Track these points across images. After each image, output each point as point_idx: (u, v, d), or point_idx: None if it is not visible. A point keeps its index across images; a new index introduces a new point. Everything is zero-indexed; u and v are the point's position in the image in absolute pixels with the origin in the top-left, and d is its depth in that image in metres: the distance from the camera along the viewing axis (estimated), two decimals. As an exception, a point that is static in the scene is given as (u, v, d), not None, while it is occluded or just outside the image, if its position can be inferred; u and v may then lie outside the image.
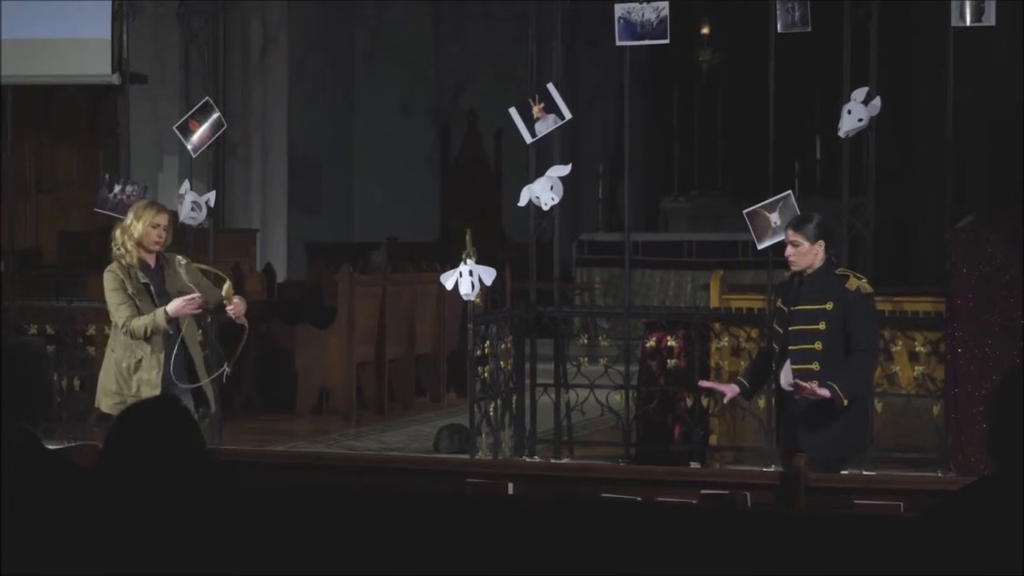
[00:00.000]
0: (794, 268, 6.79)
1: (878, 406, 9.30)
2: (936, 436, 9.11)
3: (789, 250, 6.78)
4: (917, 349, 9.48)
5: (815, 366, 6.63)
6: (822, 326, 6.66)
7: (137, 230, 7.39)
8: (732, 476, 5.77)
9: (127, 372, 7.40)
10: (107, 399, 7.46)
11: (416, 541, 4.49)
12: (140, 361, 7.37)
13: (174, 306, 7.32)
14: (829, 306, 6.67)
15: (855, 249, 9.68)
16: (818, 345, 6.66)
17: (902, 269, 17.50)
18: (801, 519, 4.79)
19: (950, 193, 9.29)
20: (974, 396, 8.54)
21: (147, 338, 7.34)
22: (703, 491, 5.13)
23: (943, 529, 3.40)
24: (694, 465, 9.12)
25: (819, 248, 6.74)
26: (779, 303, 6.91)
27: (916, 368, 9.52)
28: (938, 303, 9.48)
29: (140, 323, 7.32)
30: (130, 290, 7.37)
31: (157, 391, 7.27)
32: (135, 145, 11.69)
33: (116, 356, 7.46)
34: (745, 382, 7.03)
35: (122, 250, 7.42)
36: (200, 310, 7.48)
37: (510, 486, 5.34)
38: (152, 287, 7.40)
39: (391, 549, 4.49)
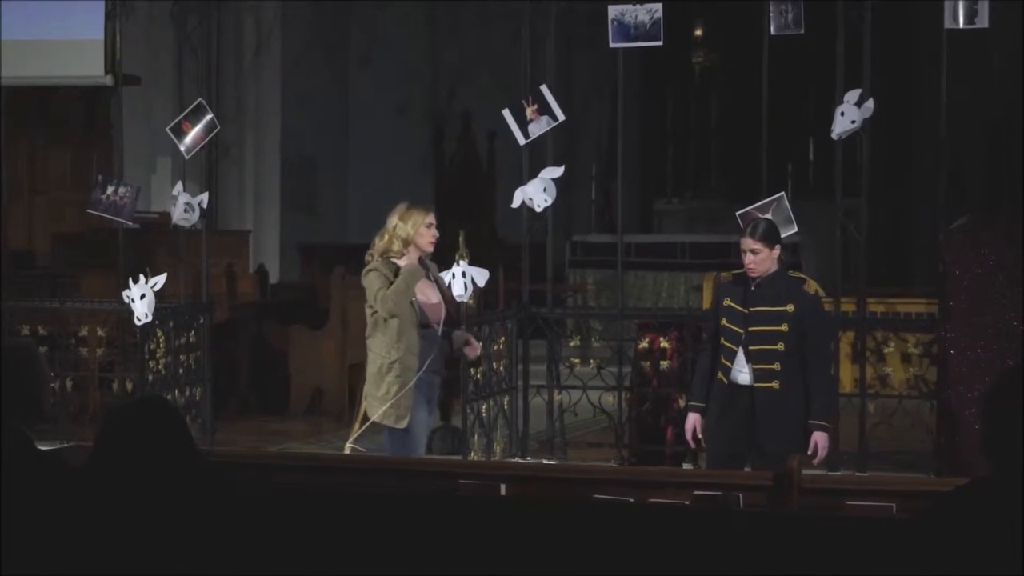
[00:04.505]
0: (754, 275, 6.86)
1: (871, 407, 9.31)
2: (929, 437, 9.11)
3: (749, 258, 6.87)
4: (910, 350, 9.49)
5: (777, 366, 6.84)
6: (785, 327, 6.84)
7: (405, 231, 7.49)
8: (725, 477, 5.77)
9: (379, 374, 7.45)
10: (369, 405, 7.51)
11: (409, 542, 4.49)
12: (395, 363, 7.41)
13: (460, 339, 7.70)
14: (790, 308, 6.85)
15: (848, 251, 9.67)
16: (781, 346, 6.84)
17: (896, 271, 17.53)
18: (793, 520, 4.79)
19: (944, 194, 9.30)
20: (967, 397, 8.54)
21: (407, 297, 7.42)
22: (696, 492, 5.13)
23: (936, 530, 3.40)
24: (687, 466, 9.12)
25: (776, 252, 6.90)
26: (728, 302, 6.97)
27: (909, 369, 9.52)
28: (931, 304, 9.49)
29: (394, 286, 7.41)
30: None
31: (405, 391, 7.36)
32: (128, 146, 11.68)
33: (372, 356, 7.53)
34: (701, 404, 7.14)
35: (396, 248, 7.50)
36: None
37: (503, 487, 5.34)
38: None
39: (384, 550, 4.49)
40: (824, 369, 7.05)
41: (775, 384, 6.84)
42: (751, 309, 6.88)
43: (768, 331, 6.84)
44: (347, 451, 7.67)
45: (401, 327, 7.42)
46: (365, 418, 7.56)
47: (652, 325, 9.93)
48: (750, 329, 6.87)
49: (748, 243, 6.87)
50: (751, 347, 6.87)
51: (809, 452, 6.75)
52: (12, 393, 4.07)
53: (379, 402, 7.44)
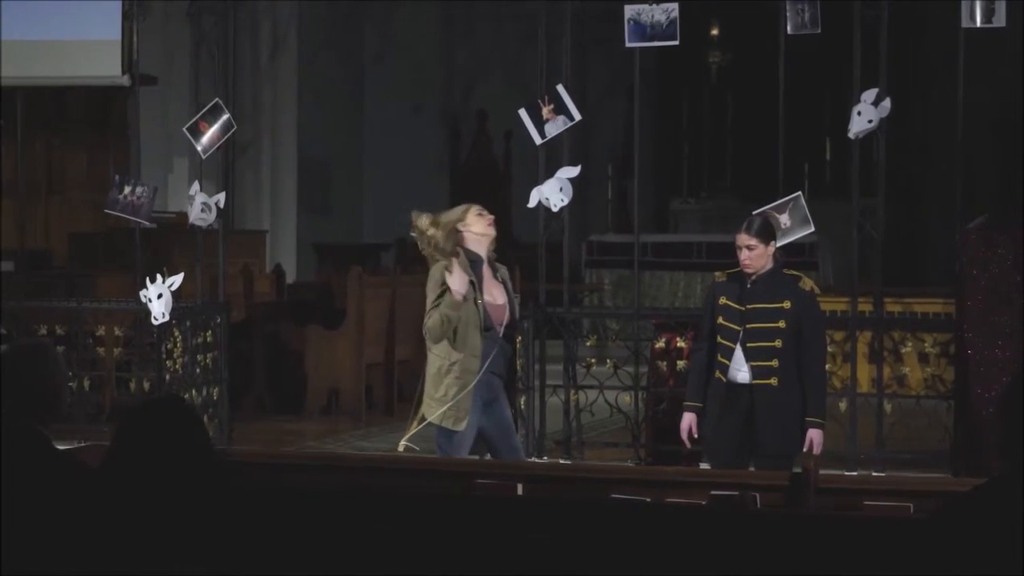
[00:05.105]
0: (749, 272, 6.86)
1: (888, 407, 9.30)
2: (946, 437, 9.09)
3: (745, 254, 6.87)
4: (927, 350, 9.47)
5: (775, 363, 6.83)
6: (782, 324, 6.84)
7: (472, 221, 7.38)
8: (742, 477, 5.76)
9: (439, 375, 7.32)
10: (427, 405, 7.38)
11: (425, 542, 4.49)
12: (455, 364, 7.28)
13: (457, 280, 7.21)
14: (787, 304, 6.85)
15: (865, 250, 9.65)
16: (778, 343, 6.84)
17: (912, 270, 17.47)
18: (811, 520, 4.78)
19: (960, 194, 9.27)
20: (984, 397, 8.51)
21: (449, 332, 7.22)
22: (712, 492, 5.13)
23: (953, 530, 3.39)
24: (704, 466, 9.10)
25: (771, 249, 6.91)
26: (724, 300, 6.97)
27: (926, 369, 9.51)
28: (948, 304, 9.47)
29: (433, 319, 7.23)
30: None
31: (464, 394, 7.24)
32: (145, 146, 11.68)
33: (432, 356, 7.39)
34: (698, 404, 7.13)
35: (473, 236, 7.39)
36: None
37: (519, 487, 5.35)
38: (475, 284, 7.33)
39: (400, 549, 4.49)
40: (818, 365, 7.04)
41: (773, 381, 6.84)
42: (748, 306, 6.88)
43: (765, 328, 6.84)
44: (401, 448, 7.60)
45: (464, 330, 7.34)
46: (423, 418, 7.47)
47: (669, 325, 9.92)
48: (747, 326, 6.87)
49: (743, 239, 6.86)
50: (749, 344, 6.86)
51: (805, 449, 6.75)
52: (29, 392, 4.08)
53: (437, 403, 7.34)
